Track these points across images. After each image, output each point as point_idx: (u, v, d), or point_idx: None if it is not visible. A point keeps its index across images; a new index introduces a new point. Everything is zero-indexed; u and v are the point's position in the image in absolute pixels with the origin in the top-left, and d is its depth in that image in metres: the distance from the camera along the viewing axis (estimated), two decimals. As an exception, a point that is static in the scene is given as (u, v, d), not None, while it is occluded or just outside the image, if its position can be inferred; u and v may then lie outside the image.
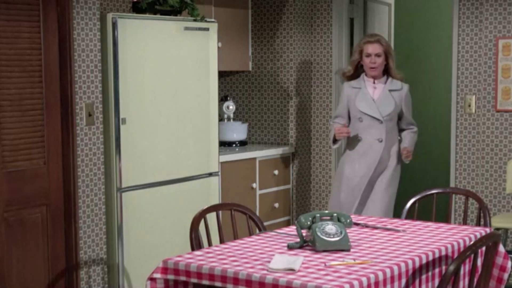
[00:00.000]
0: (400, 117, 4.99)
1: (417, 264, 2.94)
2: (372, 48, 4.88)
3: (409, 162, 5.03)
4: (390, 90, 4.91)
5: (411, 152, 4.97)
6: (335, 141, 4.99)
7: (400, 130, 5.04)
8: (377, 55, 4.88)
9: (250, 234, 3.53)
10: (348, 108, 4.99)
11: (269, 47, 5.99)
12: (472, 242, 2.96)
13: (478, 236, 3.34)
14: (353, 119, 4.97)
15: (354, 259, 2.91)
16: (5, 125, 4.03)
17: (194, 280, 2.85)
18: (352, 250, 3.07)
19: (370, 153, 4.89)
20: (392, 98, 4.90)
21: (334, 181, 5.25)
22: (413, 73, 7.56)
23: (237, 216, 3.65)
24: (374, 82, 4.94)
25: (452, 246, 3.17)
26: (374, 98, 4.90)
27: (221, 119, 5.76)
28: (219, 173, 5.17)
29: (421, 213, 4.13)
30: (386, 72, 4.97)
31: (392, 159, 4.95)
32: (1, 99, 4.02)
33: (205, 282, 2.82)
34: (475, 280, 3.04)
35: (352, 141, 4.97)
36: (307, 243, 3.12)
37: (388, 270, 2.78)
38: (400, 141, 5.04)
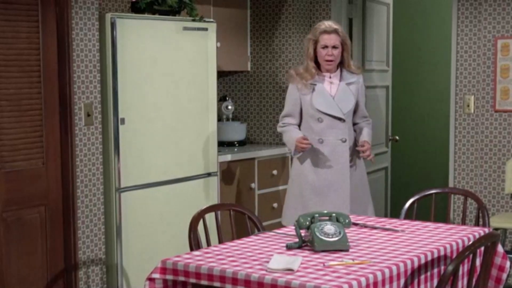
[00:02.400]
0: (355, 110, 4.55)
1: (416, 264, 2.94)
2: (330, 39, 4.39)
3: (371, 163, 4.69)
4: (347, 84, 4.46)
5: (370, 148, 4.48)
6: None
7: (353, 124, 4.58)
8: (334, 47, 4.39)
9: (249, 234, 3.53)
10: (301, 107, 4.50)
11: (268, 47, 5.99)
12: (471, 242, 2.97)
13: (477, 236, 3.34)
14: (309, 120, 4.48)
15: (353, 259, 2.91)
16: (3, 125, 4.03)
17: (192, 280, 2.85)
18: (351, 250, 3.07)
19: (335, 156, 4.44)
20: (350, 92, 4.46)
21: (290, 193, 4.63)
22: (412, 73, 7.56)
23: (236, 216, 3.65)
24: (330, 77, 4.46)
25: (451, 246, 3.17)
26: (332, 94, 4.43)
27: (220, 119, 5.75)
28: (218, 173, 5.17)
29: (420, 213, 4.13)
30: (340, 64, 4.49)
31: (355, 157, 4.54)
32: (0, 99, 4.01)
33: (204, 282, 2.82)
34: (474, 280, 3.04)
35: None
36: (305, 243, 3.12)
37: (387, 270, 2.78)
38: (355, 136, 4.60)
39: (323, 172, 4.44)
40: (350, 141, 4.46)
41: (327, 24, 4.45)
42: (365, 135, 4.51)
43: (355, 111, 4.53)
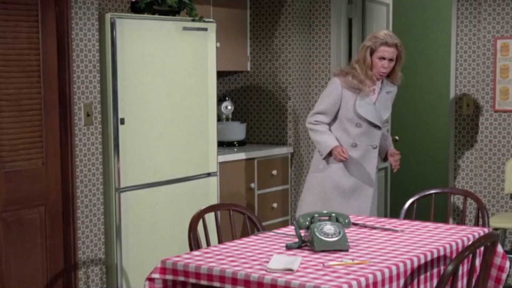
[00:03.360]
0: None
1: (416, 264, 2.94)
2: (389, 52, 4.39)
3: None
4: (387, 93, 4.55)
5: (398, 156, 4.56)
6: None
7: None
8: (391, 60, 4.42)
9: (249, 234, 3.53)
10: (338, 108, 4.48)
11: (268, 47, 5.99)
12: (470, 242, 2.97)
13: (477, 236, 3.34)
14: (345, 123, 4.47)
15: (353, 259, 2.91)
16: (3, 125, 4.03)
17: (192, 280, 2.85)
18: (350, 250, 3.07)
19: (365, 161, 4.49)
20: (389, 101, 4.58)
21: (310, 190, 4.61)
22: (411, 74, 7.56)
23: (235, 216, 3.65)
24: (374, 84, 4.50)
25: (451, 246, 3.17)
26: (375, 102, 4.48)
27: (219, 119, 5.75)
28: (218, 173, 5.17)
29: (420, 213, 4.13)
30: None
31: (378, 163, 4.66)
32: (0, 99, 4.01)
33: (204, 282, 2.82)
34: (474, 280, 3.04)
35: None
36: (305, 243, 3.12)
37: (386, 270, 2.78)
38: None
39: (352, 175, 4.49)
40: (378, 147, 4.56)
41: (389, 36, 4.43)
42: (391, 144, 4.66)
43: None
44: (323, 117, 4.51)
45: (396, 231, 3.43)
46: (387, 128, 4.74)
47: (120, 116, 4.50)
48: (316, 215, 3.17)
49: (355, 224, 3.56)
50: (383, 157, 4.62)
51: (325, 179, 4.52)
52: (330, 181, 4.51)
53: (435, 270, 3.07)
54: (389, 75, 4.52)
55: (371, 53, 4.40)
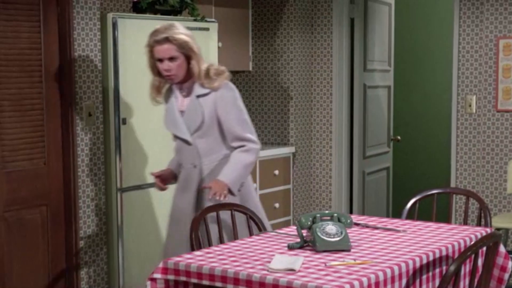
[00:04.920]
0: (222, 130, 3.64)
1: (418, 264, 2.94)
2: (162, 51, 3.53)
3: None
4: (197, 96, 3.60)
5: (224, 191, 3.51)
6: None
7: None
8: (171, 59, 3.54)
9: (251, 234, 3.53)
10: None
11: (270, 47, 5.98)
12: (472, 242, 2.96)
13: (479, 236, 3.34)
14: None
15: (355, 259, 2.91)
16: (5, 125, 4.03)
17: (194, 280, 2.84)
18: (352, 250, 3.07)
19: (189, 183, 3.67)
20: (199, 107, 3.59)
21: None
22: (414, 73, 7.56)
23: (237, 216, 3.64)
24: (181, 88, 3.66)
25: (453, 246, 3.17)
26: (182, 110, 3.64)
27: (221, 119, 5.75)
28: (220, 173, 5.16)
29: (422, 213, 4.12)
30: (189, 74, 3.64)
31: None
32: (1, 99, 4.01)
33: (206, 282, 2.81)
34: (476, 280, 3.03)
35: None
36: (307, 243, 3.12)
37: (388, 270, 2.77)
38: None
39: (178, 199, 3.73)
40: (207, 168, 3.63)
41: (158, 31, 3.57)
42: (224, 172, 3.55)
43: (222, 130, 3.64)
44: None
45: (398, 231, 3.43)
46: (245, 148, 3.60)
47: (121, 116, 4.50)
48: (318, 215, 3.16)
49: (357, 224, 3.56)
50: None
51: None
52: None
53: (437, 270, 3.06)
54: (190, 76, 3.63)
55: (152, 56, 3.60)
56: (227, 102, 3.60)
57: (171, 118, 3.65)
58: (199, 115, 3.57)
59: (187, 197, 3.65)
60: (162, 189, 3.79)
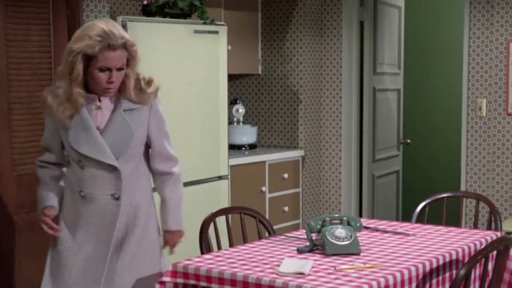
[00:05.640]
0: (148, 147, 3.10)
1: (428, 268, 2.93)
2: (115, 59, 2.87)
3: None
4: (124, 111, 2.98)
5: (181, 238, 3.17)
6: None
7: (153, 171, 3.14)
8: (120, 69, 2.92)
9: (260, 237, 3.52)
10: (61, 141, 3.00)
11: (279, 50, 5.98)
12: (483, 246, 2.95)
13: (489, 240, 3.32)
14: (71, 161, 3.00)
15: (364, 263, 2.90)
16: (15, 128, 4.04)
17: (203, 283, 2.84)
18: (362, 254, 3.06)
19: (105, 221, 2.97)
20: (127, 124, 2.97)
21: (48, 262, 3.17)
22: (424, 76, 7.54)
23: (246, 219, 3.64)
24: (99, 100, 2.97)
25: (463, 250, 3.16)
26: (101, 127, 2.95)
27: (230, 122, 5.75)
28: (229, 177, 5.17)
29: (432, 217, 4.11)
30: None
31: (145, 221, 3.06)
32: (12, 102, 4.02)
33: (215, 285, 2.81)
34: (486, 284, 3.02)
35: (71, 199, 3.01)
36: (316, 247, 3.11)
37: (398, 274, 2.76)
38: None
39: (82, 240, 3.00)
40: (128, 198, 3.00)
41: (112, 33, 2.87)
42: (169, 218, 3.12)
43: (148, 148, 3.12)
44: (48, 155, 3.08)
45: (408, 234, 3.42)
46: (173, 176, 3.13)
47: (131, 119, 4.49)
48: (328, 218, 3.16)
49: (367, 228, 3.55)
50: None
51: (54, 250, 3.10)
52: (56, 252, 3.09)
53: (447, 274, 3.05)
54: (120, 90, 2.98)
55: (86, 62, 2.85)
56: (159, 118, 3.07)
57: (86, 137, 2.89)
58: (129, 134, 2.94)
59: (101, 241, 2.94)
60: (56, 232, 3.01)
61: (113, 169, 2.93)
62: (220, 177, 5.09)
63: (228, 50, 5.14)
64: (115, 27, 2.88)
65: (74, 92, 2.86)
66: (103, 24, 2.86)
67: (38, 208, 3.03)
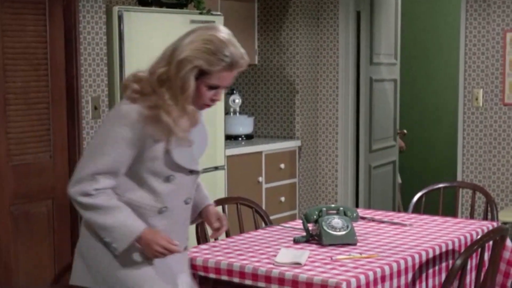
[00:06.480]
0: None
1: (424, 259, 2.93)
2: (230, 78, 2.61)
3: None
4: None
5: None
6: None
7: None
8: (227, 87, 2.68)
9: (256, 228, 3.52)
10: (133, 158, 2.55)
11: (275, 40, 5.97)
12: (479, 236, 2.95)
13: (485, 230, 3.33)
14: (149, 178, 2.61)
15: (361, 253, 2.90)
16: (11, 118, 4.03)
17: (200, 273, 2.84)
18: (358, 244, 3.06)
19: (180, 225, 2.71)
20: (206, 136, 2.82)
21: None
22: (420, 67, 7.54)
23: (243, 210, 3.64)
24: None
25: (459, 240, 3.16)
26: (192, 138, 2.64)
27: (227, 112, 5.74)
28: (225, 167, 5.16)
29: (428, 207, 4.11)
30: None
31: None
32: (7, 93, 4.01)
33: (212, 275, 2.81)
34: (482, 274, 3.03)
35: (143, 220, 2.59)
36: (313, 237, 3.12)
37: (394, 264, 2.77)
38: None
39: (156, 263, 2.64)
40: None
41: (241, 52, 2.63)
42: (207, 196, 2.92)
43: None
44: (107, 181, 2.56)
45: (405, 225, 3.42)
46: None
47: (127, 109, 4.49)
48: (324, 208, 3.16)
49: (363, 218, 3.55)
50: (197, 213, 2.84)
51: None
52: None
53: (443, 264, 3.06)
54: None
55: (198, 77, 2.55)
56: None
57: (187, 150, 2.66)
58: (205, 144, 2.82)
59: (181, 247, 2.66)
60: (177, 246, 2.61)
61: (195, 177, 2.72)
62: (216, 168, 5.09)
63: (224, 40, 5.12)
64: (237, 44, 2.63)
65: (188, 109, 2.56)
66: (229, 41, 2.59)
67: (123, 238, 2.52)
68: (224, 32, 2.62)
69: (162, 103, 2.51)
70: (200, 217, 2.84)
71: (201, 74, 2.54)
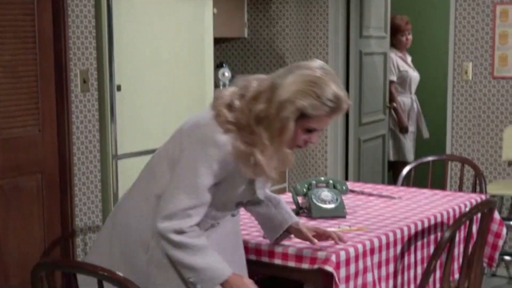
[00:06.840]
0: None
1: (413, 231, 2.95)
2: (328, 122, 2.54)
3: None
4: None
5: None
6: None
7: None
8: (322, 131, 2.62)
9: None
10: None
11: (265, 14, 5.94)
12: (467, 209, 2.97)
13: (474, 203, 3.35)
14: (220, 206, 2.57)
15: (350, 226, 2.92)
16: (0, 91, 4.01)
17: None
18: (347, 216, 3.08)
19: (234, 238, 2.71)
20: None
21: None
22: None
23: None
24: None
25: (448, 212, 3.18)
26: None
27: (216, 86, 5.72)
28: (215, 140, 5.15)
29: (417, 180, 4.13)
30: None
31: None
32: (-5, 66, 3.99)
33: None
34: (470, 246, 3.05)
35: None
36: (302, 210, 3.13)
37: (383, 237, 2.78)
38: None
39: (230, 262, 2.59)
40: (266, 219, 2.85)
41: (344, 95, 2.51)
42: (291, 214, 2.81)
43: None
44: (199, 215, 2.48)
45: (393, 197, 3.44)
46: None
47: (116, 82, 4.47)
48: (314, 181, 3.16)
49: (353, 191, 3.56)
50: (279, 233, 2.74)
51: None
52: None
53: (432, 237, 3.08)
54: None
55: (297, 120, 2.45)
56: None
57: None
58: None
59: (237, 256, 2.68)
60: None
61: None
62: (206, 141, 5.08)
63: (214, 14, 5.09)
64: (341, 86, 2.51)
65: (282, 151, 2.53)
66: (334, 84, 2.46)
67: (216, 280, 2.45)
68: (329, 73, 2.47)
69: (259, 142, 2.43)
70: (287, 234, 2.74)
71: (301, 116, 2.43)
